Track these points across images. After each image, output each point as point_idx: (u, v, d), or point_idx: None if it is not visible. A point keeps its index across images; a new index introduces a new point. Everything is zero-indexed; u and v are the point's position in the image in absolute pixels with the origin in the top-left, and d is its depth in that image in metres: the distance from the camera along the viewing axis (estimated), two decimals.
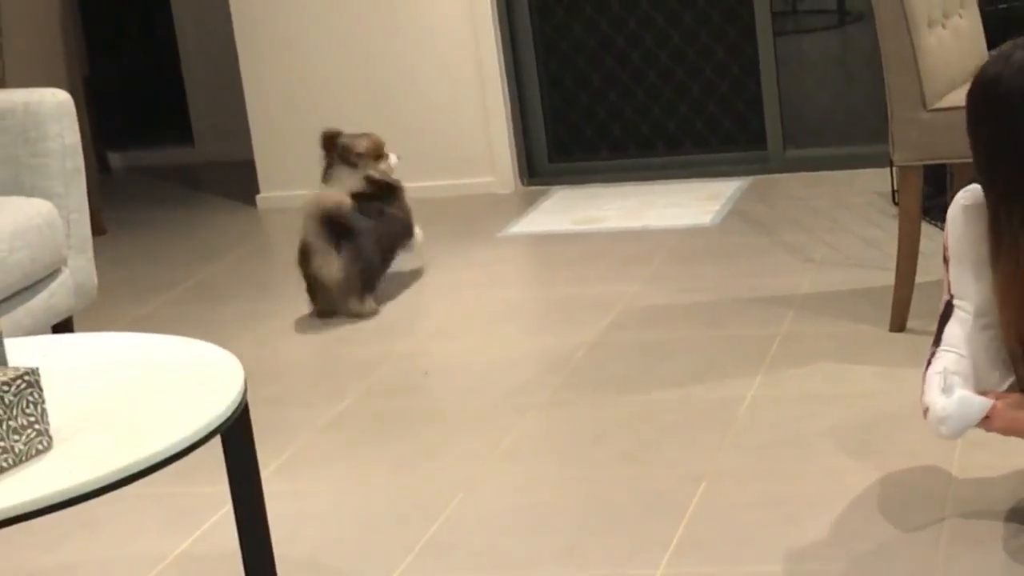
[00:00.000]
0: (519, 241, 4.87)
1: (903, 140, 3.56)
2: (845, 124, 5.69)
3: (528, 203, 5.25)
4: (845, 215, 4.66)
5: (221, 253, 5.10)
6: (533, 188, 5.42)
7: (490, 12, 5.32)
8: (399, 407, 3.57)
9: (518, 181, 5.46)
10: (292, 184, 5.53)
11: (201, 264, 4.98)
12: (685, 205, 5.02)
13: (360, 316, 4.20)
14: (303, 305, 4.30)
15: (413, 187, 5.38)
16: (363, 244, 4.18)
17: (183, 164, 6.46)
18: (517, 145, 5.46)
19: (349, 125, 5.43)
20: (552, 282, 4.50)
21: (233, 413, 2.14)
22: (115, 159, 6.59)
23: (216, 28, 5.94)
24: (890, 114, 3.60)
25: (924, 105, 3.52)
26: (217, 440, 2.15)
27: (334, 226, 4.15)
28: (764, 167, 5.28)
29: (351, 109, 5.46)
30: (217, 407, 2.12)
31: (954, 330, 2.25)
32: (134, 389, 2.29)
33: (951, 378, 2.24)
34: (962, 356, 2.23)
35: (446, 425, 3.43)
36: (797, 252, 4.36)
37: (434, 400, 3.64)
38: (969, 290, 2.21)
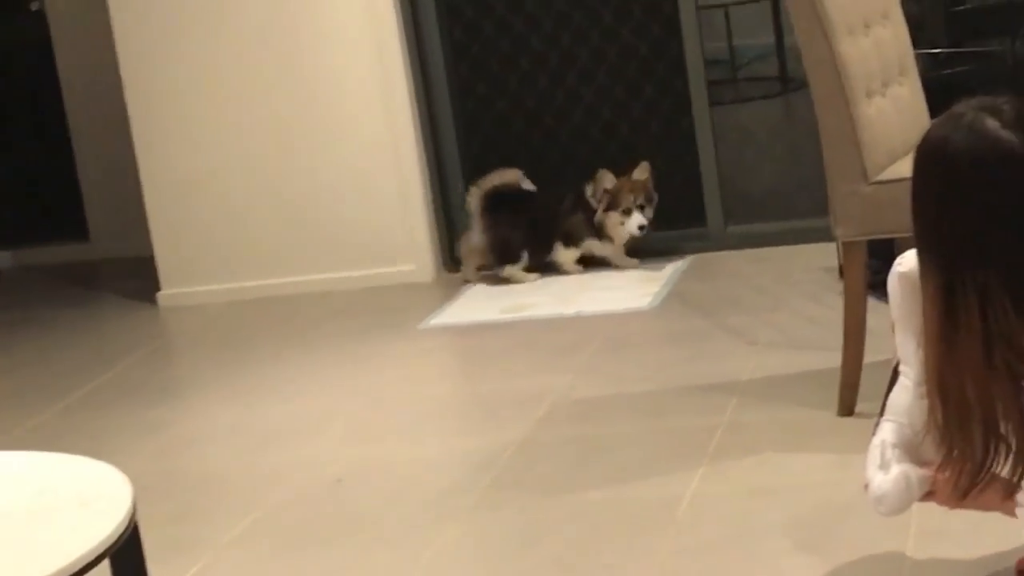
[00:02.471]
0: (441, 333, 4.85)
1: (845, 215, 3.58)
2: (789, 197, 5.73)
3: (451, 292, 5.24)
4: (790, 293, 4.69)
5: (119, 356, 5.04)
6: (456, 275, 5.41)
7: (406, 89, 5.33)
8: (310, 519, 3.51)
9: (440, 268, 5.45)
10: (195, 280, 5.50)
11: (97, 369, 4.92)
12: (621, 288, 5.02)
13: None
14: (210, 410, 4.23)
15: (326, 278, 5.41)
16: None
17: (78, 261, 6.40)
18: (438, 230, 5.45)
19: (255, 217, 5.45)
20: (477, 376, 4.47)
21: (121, 535, 2.13)
22: (4, 258, 6.54)
23: (111, 118, 5.92)
24: (830, 188, 3.63)
25: (865, 178, 3.55)
26: (107, 565, 2.13)
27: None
28: (704, 245, 5.30)
29: (257, 199, 5.44)
30: (102, 530, 2.11)
31: (897, 398, 2.26)
32: (10, 514, 2.26)
33: (889, 452, 2.25)
34: (903, 426, 2.23)
35: (362, 538, 3.38)
36: (740, 335, 4.37)
37: (349, 510, 3.58)
38: (911, 358, 2.22)
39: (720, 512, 3.21)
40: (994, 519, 2.22)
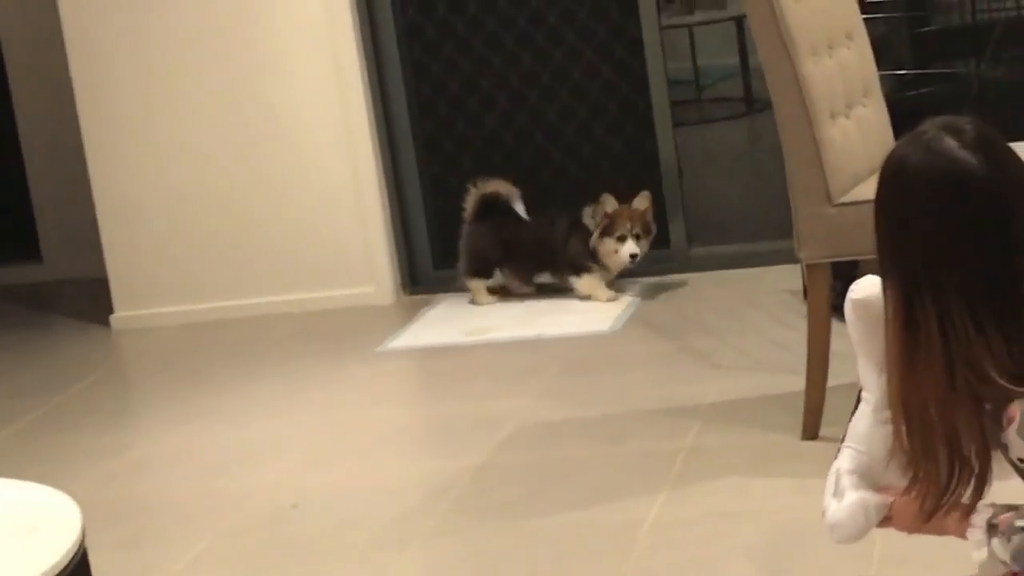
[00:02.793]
0: (400, 356, 4.83)
1: (809, 237, 3.58)
2: (753, 219, 5.74)
3: (410, 314, 5.21)
4: (754, 316, 4.68)
5: (71, 380, 5.00)
6: (416, 297, 5.39)
7: (365, 109, 5.31)
8: (265, 546, 3.49)
9: (399, 290, 5.42)
10: (149, 302, 5.46)
11: (48, 393, 4.88)
12: (582, 311, 5.01)
13: None
14: (163, 434, 4.19)
15: (283, 300, 5.38)
16: None
17: (30, 283, 6.35)
18: (398, 251, 5.43)
19: (210, 238, 5.41)
20: (436, 400, 4.45)
21: (70, 562, 2.11)
22: None
23: (64, 137, 5.88)
24: (794, 210, 3.63)
25: (829, 200, 3.55)
26: None
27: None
28: (667, 267, 5.29)
29: (212, 220, 5.41)
30: (51, 557, 2.09)
31: (856, 424, 2.26)
32: None
33: (844, 479, 2.23)
34: (861, 453, 2.23)
35: (318, 565, 3.35)
36: (703, 358, 4.36)
37: (304, 536, 3.55)
38: (872, 383, 2.21)
39: (682, 537, 3.19)
40: (958, 545, 2.22)
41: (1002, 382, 1.97)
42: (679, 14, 7.95)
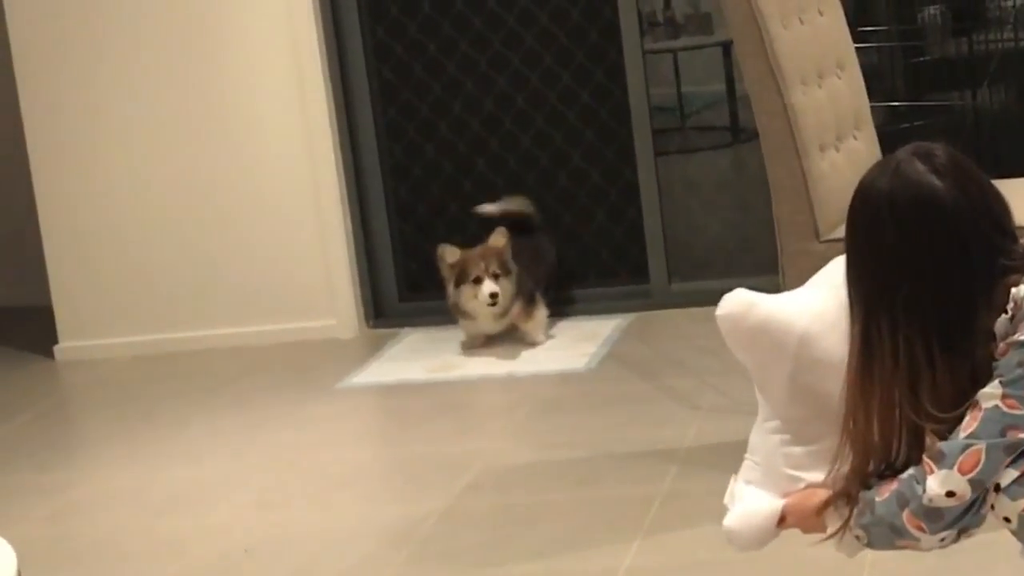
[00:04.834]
0: (361, 393, 4.83)
1: (794, 274, 3.59)
2: (736, 254, 5.77)
3: (374, 348, 5.22)
4: (735, 355, 4.68)
5: (10, 413, 4.99)
6: (380, 331, 5.40)
7: (330, 132, 5.33)
8: None
9: (362, 323, 5.43)
10: (96, 332, 5.45)
11: None
12: (556, 348, 5.02)
13: None
14: (108, 473, 4.17)
15: (238, 332, 5.38)
16: None
17: None
18: (361, 282, 5.44)
19: (162, 265, 5.41)
20: (399, 440, 4.45)
21: None
22: None
23: (9, 161, 5.88)
24: (780, 246, 3.65)
25: (816, 236, 3.59)
26: None
27: None
28: (646, 303, 5.31)
29: (164, 246, 5.42)
30: None
31: (751, 436, 2.39)
32: None
33: (739, 489, 2.35)
34: (756, 464, 2.32)
35: None
36: (682, 399, 4.37)
37: None
38: (758, 395, 2.34)
39: None
40: (952, 566, 2.26)
41: (934, 413, 2.06)
42: (663, 38, 7.99)
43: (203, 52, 5.32)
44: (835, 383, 2.19)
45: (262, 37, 5.29)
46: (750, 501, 2.33)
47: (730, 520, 2.35)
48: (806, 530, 2.29)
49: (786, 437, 2.33)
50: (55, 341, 5.55)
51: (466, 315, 5.03)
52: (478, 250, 5.00)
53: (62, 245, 5.50)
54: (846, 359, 2.14)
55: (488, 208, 5.21)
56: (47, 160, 5.47)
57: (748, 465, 2.36)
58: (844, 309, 2.19)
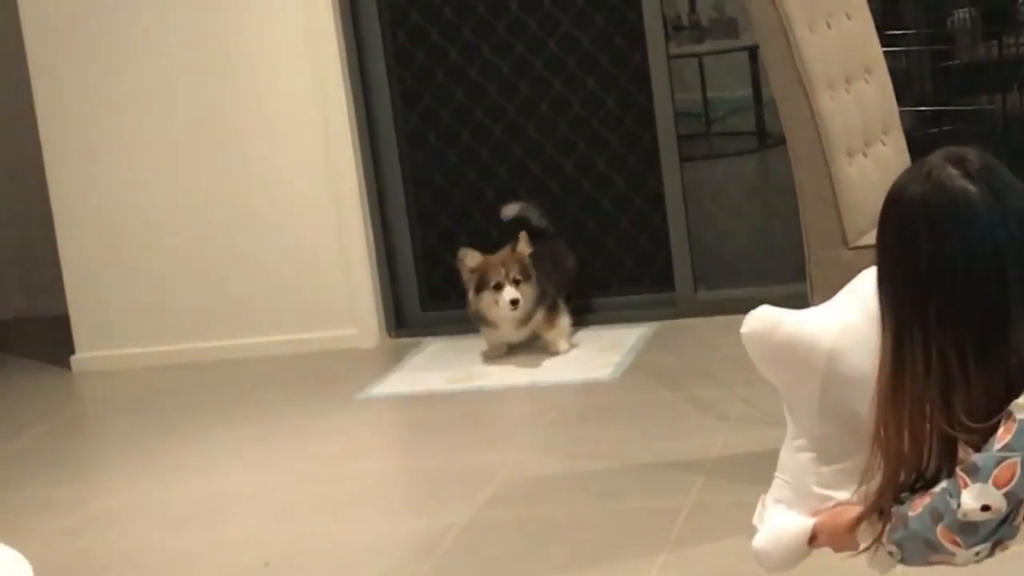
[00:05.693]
0: (383, 404, 4.83)
1: (822, 282, 3.59)
2: (763, 261, 5.76)
3: (395, 358, 5.22)
4: (762, 374, 4.67)
5: (26, 426, 4.99)
6: (401, 341, 5.40)
7: (350, 138, 5.33)
8: None
9: (384, 333, 5.43)
10: (113, 343, 5.46)
11: (1, 439, 4.87)
12: (580, 357, 5.01)
13: None
14: (125, 486, 4.18)
15: (257, 342, 5.39)
16: None
17: None
18: (383, 291, 5.44)
19: (180, 275, 5.42)
20: (420, 452, 4.45)
21: None
22: None
23: (25, 169, 5.90)
24: (807, 253, 3.65)
25: (845, 242, 3.58)
26: None
27: None
28: (672, 311, 5.30)
29: (182, 255, 5.42)
30: None
31: (781, 453, 2.39)
32: None
33: (768, 508, 2.36)
34: (786, 483, 2.32)
35: None
36: (709, 409, 4.36)
37: None
38: (786, 412, 2.32)
39: None
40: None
41: (967, 423, 2.04)
42: (688, 43, 7.99)
43: (222, 61, 5.33)
44: (864, 400, 2.18)
45: (282, 44, 5.29)
46: (780, 521, 2.32)
47: (759, 540, 2.35)
48: (838, 548, 2.28)
49: (815, 455, 2.32)
50: (72, 351, 5.56)
51: (487, 322, 5.03)
52: (499, 255, 5.00)
53: (79, 254, 5.51)
54: (875, 374, 2.13)
55: (510, 211, 5.21)
56: (63, 170, 5.49)
57: (778, 483, 2.36)
58: (872, 324, 2.18)
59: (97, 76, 5.40)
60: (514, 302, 4.92)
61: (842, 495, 2.30)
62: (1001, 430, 2.01)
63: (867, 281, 2.25)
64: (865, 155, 3.74)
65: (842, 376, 2.29)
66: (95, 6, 5.36)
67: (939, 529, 2.05)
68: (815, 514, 2.31)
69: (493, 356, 5.07)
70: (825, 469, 2.31)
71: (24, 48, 5.46)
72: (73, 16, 5.38)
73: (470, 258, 4.99)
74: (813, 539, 2.31)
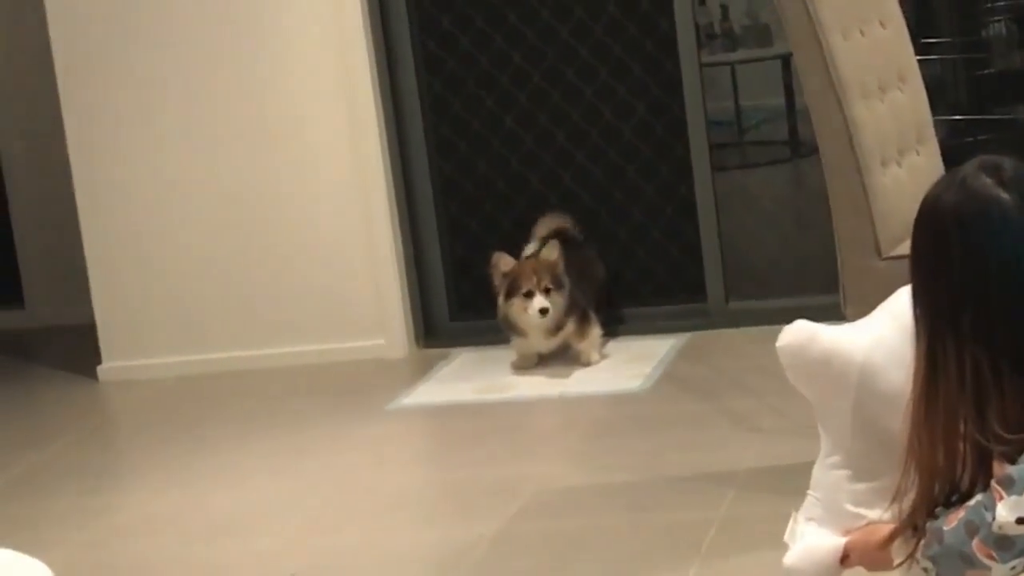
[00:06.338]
0: (412, 414, 4.83)
1: (856, 292, 3.59)
2: (796, 272, 5.75)
3: (424, 369, 5.22)
4: (796, 388, 4.67)
5: (53, 435, 5.01)
6: (430, 351, 5.40)
7: (379, 146, 5.34)
8: None
9: (413, 343, 5.44)
10: (140, 352, 5.47)
11: (28, 449, 4.89)
12: (610, 368, 5.01)
13: None
14: (151, 497, 4.19)
15: (286, 352, 5.40)
16: None
17: (11, 329, 6.38)
18: (412, 301, 5.45)
19: (208, 284, 5.44)
20: (449, 463, 4.45)
21: None
22: None
23: (52, 176, 5.93)
24: (840, 263, 3.64)
25: (879, 253, 3.57)
26: None
27: None
28: (703, 322, 5.30)
29: (210, 264, 5.44)
30: None
31: (814, 471, 2.41)
32: None
33: (800, 525, 2.36)
34: (818, 500, 2.33)
35: None
36: (740, 421, 4.36)
37: None
38: (820, 429, 2.32)
39: None
40: None
41: (1002, 434, 2.04)
42: (720, 51, 7.99)
43: (252, 68, 5.35)
44: (897, 416, 2.18)
45: (312, 51, 5.31)
46: (811, 539, 2.33)
47: (791, 558, 2.35)
48: (871, 567, 2.28)
49: (849, 472, 2.32)
50: (99, 361, 5.58)
51: (516, 329, 5.03)
52: (531, 262, 5.00)
53: (105, 263, 5.53)
54: (909, 390, 2.14)
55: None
56: (90, 178, 5.51)
57: (810, 501, 2.36)
58: (906, 339, 2.18)
59: (125, 86, 5.42)
60: (543, 311, 4.92)
61: (874, 514, 2.30)
62: None
63: (902, 297, 2.25)
64: (899, 164, 3.73)
65: (876, 391, 2.29)
66: (123, 8, 5.38)
67: (974, 543, 2.05)
68: (847, 533, 2.32)
69: (523, 367, 5.07)
70: (858, 487, 2.31)
71: (51, 54, 5.48)
72: (100, 21, 5.40)
73: (504, 262, 4.99)
74: (845, 558, 2.31)
